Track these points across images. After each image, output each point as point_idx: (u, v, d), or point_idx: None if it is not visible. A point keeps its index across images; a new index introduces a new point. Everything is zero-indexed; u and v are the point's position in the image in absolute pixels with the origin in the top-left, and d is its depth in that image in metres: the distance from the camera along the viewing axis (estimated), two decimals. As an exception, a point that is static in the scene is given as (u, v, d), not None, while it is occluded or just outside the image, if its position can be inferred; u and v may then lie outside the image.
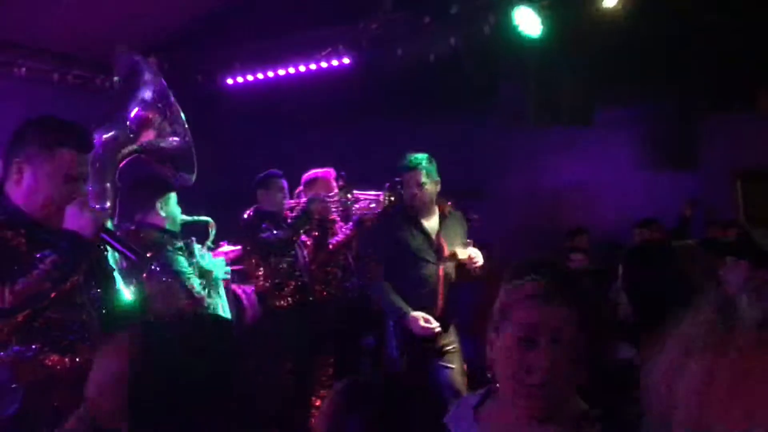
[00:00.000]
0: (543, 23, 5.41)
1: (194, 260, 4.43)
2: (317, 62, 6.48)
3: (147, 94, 3.63)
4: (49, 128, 2.67)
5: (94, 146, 2.80)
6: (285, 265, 5.15)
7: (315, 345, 5.20)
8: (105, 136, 3.52)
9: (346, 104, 6.89)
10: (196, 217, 4.61)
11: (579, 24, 5.66)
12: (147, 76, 3.61)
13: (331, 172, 5.57)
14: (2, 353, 2.46)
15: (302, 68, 6.57)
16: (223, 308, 4.47)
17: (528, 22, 5.43)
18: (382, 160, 5.32)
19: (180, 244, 4.36)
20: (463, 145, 7.32)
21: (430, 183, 4.64)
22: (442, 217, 4.76)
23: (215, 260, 4.65)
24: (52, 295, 2.49)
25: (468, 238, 4.79)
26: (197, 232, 4.61)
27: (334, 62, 6.46)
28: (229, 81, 6.86)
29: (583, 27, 5.67)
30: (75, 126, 2.75)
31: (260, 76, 6.76)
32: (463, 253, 4.62)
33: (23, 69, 6.22)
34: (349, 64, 6.46)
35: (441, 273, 4.64)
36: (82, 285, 2.65)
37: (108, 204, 3.60)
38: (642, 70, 6.25)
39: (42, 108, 6.23)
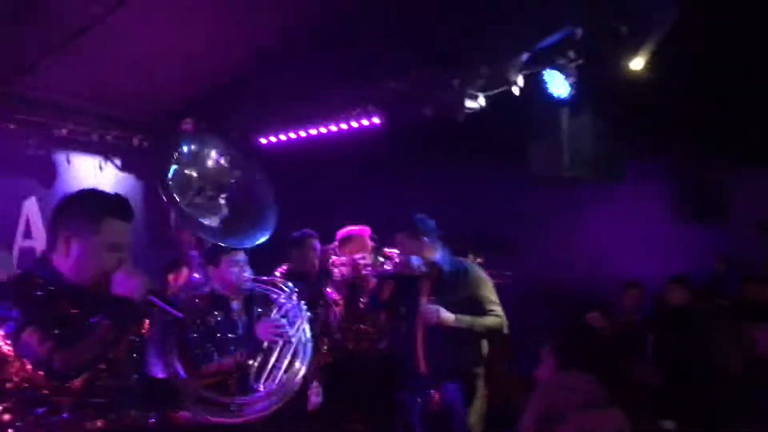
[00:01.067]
0: (571, 84, 5.48)
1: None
2: (347, 121, 6.61)
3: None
4: (93, 200, 2.81)
5: (134, 215, 2.88)
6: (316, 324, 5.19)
7: (348, 402, 5.22)
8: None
9: (377, 161, 6.99)
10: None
11: (607, 82, 5.73)
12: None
13: (366, 230, 5.64)
14: (54, 418, 2.54)
15: (333, 128, 6.70)
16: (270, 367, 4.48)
17: (557, 84, 5.51)
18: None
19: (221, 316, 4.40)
20: (495, 201, 7.37)
21: None
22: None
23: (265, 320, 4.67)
24: (108, 357, 2.61)
25: (498, 295, 4.84)
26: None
27: (365, 121, 6.58)
28: (263, 140, 7.00)
29: (611, 85, 5.73)
30: (117, 197, 2.88)
31: (293, 135, 6.89)
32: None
33: (63, 130, 6.42)
34: (378, 123, 6.57)
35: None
36: (136, 347, 2.79)
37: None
38: (670, 124, 6.29)
39: (82, 167, 6.48)
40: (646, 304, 6.65)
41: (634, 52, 5.04)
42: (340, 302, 5.43)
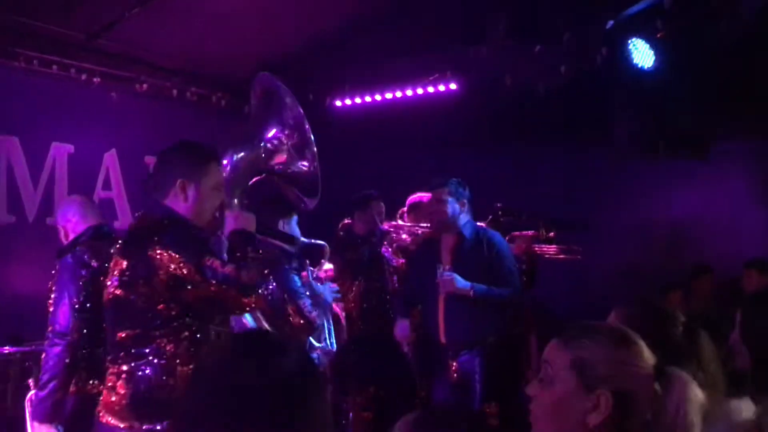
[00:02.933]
0: (657, 55, 5.27)
1: (306, 282, 4.51)
2: (425, 87, 6.53)
3: (285, 118, 3.75)
4: (197, 148, 3.06)
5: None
6: (374, 289, 5.19)
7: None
8: (236, 156, 3.67)
9: (452, 129, 6.90)
10: (313, 240, 4.69)
11: (695, 54, 5.49)
12: (287, 101, 3.71)
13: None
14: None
15: (409, 92, 6.63)
16: (329, 332, 4.53)
17: (641, 54, 5.31)
18: (488, 187, 5.31)
19: (296, 264, 4.45)
20: (571, 177, 7.19)
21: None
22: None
23: (325, 284, 4.71)
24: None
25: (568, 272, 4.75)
26: (311, 255, 4.70)
27: (441, 87, 6.49)
28: (338, 103, 6.99)
29: (700, 57, 5.49)
30: (210, 144, 3.16)
31: (368, 99, 6.86)
32: None
33: (144, 85, 6.54)
34: (456, 89, 6.47)
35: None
36: None
37: None
38: (760, 103, 6.00)
39: (161, 122, 6.60)
40: (721, 290, 6.43)
41: (725, 23, 4.80)
42: (402, 268, 5.40)
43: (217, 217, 3.05)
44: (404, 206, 5.66)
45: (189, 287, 2.76)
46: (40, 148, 6.09)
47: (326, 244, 4.75)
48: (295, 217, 4.43)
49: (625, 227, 7.32)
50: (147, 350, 2.77)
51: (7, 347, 5.03)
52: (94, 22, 5.70)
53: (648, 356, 1.75)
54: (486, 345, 4.67)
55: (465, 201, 4.79)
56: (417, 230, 5.28)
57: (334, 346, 4.24)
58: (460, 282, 4.58)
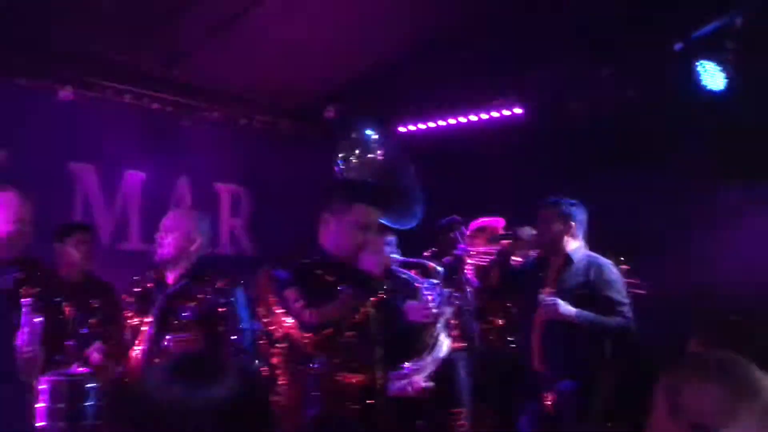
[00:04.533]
0: (727, 76, 5.16)
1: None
2: (488, 111, 6.52)
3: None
4: (347, 188, 3.51)
5: (381, 201, 3.49)
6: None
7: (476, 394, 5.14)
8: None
9: (516, 154, 6.85)
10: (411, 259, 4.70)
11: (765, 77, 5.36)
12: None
13: (499, 221, 5.55)
14: (310, 365, 3.13)
15: (473, 117, 6.63)
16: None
17: (711, 76, 5.20)
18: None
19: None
20: (639, 201, 7.05)
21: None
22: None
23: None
24: (348, 319, 3.16)
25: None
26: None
27: (506, 111, 6.47)
28: (402, 129, 7.03)
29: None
30: (368, 185, 3.63)
31: (431, 124, 6.88)
32: None
33: (214, 113, 6.71)
34: (521, 114, 6.44)
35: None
36: (372, 319, 3.26)
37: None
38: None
39: (230, 150, 6.75)
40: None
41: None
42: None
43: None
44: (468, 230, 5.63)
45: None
46: (114, 176, 6.29)
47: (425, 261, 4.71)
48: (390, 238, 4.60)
49: (696, 252, 7.13)
50: None
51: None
52: (167, 52, 5.88)
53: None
54: (588, 377, 4.40)
55: (573, 224, 4.62)
56: (488, 256, 5.23)
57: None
58: (565, 308, 4.35)
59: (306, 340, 3.13)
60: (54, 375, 3.77)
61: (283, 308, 3.16)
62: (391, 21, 5.94)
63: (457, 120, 6.76)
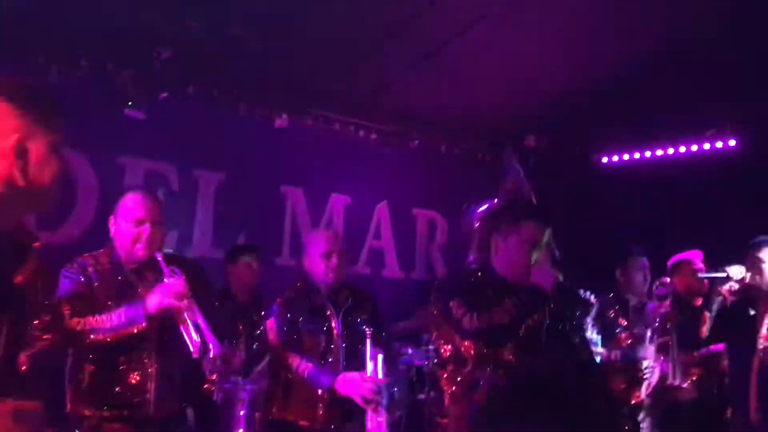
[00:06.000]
0: None
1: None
2: (699, 143, 6.19)
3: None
4: (515, 208, 3.47)
5: (551, 219, 3.44)
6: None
7: None
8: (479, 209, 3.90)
9: (728, 189, 6.43)
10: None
11: None
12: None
13: (697, 254, 5.26)
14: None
15: (682, 149, 6.33)
16: None
17: None
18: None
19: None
20: None
21: None
22: None
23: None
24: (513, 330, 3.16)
25: None
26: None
27: (719, 144, 6.12)
28: (604, 159, 6.85)
29: None
30: (535, 205, 3.58)
31: (637, 155, 6.65)
32: None
33: (416, 141, 6.89)
34: (735, 146, 6.07)
35: None
36: (539, 330, 3.23)
37: None
38: None
39: (429, 177, 6.89)
40: None
41: None
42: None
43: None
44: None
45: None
46: (320, 199, 6.63)
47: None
48: None
49: None
50: None
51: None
52: (373, 82, 6.12)
53: None
54: None
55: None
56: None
57: None
58: None
59: (466, 349, 3.21)
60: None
61: (446, 319, 3.24)
62: (596, 48, 5.82)
63: (664, 152, 6.48)
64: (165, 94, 5.42)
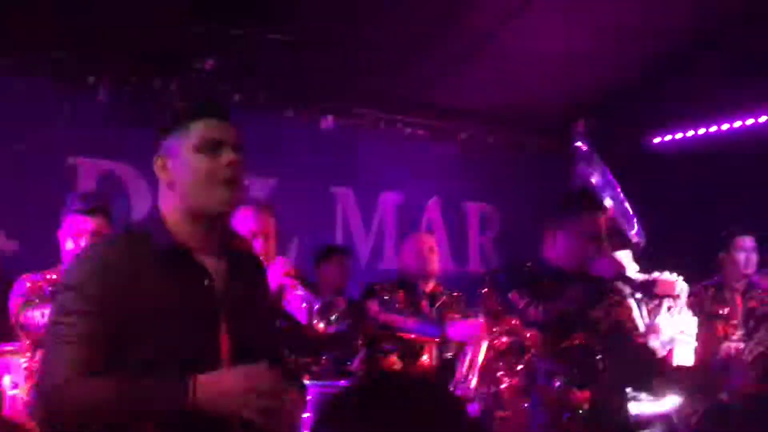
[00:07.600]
0: None
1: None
2: (756, 116, 6.02)
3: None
4: (577, 197, 3.48)
5: (601, 208, 3.46)
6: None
7: None
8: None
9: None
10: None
11: None
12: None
13: None
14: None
15: (737, 123, 6.16)
16: None
17: None
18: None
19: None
20: None
21: None
22: None
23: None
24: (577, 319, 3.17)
25: None
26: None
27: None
28: (656, 139, 6.71)
29: None
30: (589, 193, 3.59)
31: (690, 133, 6.49)
32: None
33: (463, 134, 6.84)
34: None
35: None
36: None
37: None
38: None
39: (478, 169, 6.83)
40: None
41: None
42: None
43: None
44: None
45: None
46: (371, 197, 6.63)
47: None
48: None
49: None
50: None
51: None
52: (418, 78, 6.09)
53: None
54: None
55: None
56: None
57: None
58: None
59: (531, 338, 3.19)
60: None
61: (507, 311, 3.24)
62: (648, 27, 5.69)
63: (718, 128, 6.31)
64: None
